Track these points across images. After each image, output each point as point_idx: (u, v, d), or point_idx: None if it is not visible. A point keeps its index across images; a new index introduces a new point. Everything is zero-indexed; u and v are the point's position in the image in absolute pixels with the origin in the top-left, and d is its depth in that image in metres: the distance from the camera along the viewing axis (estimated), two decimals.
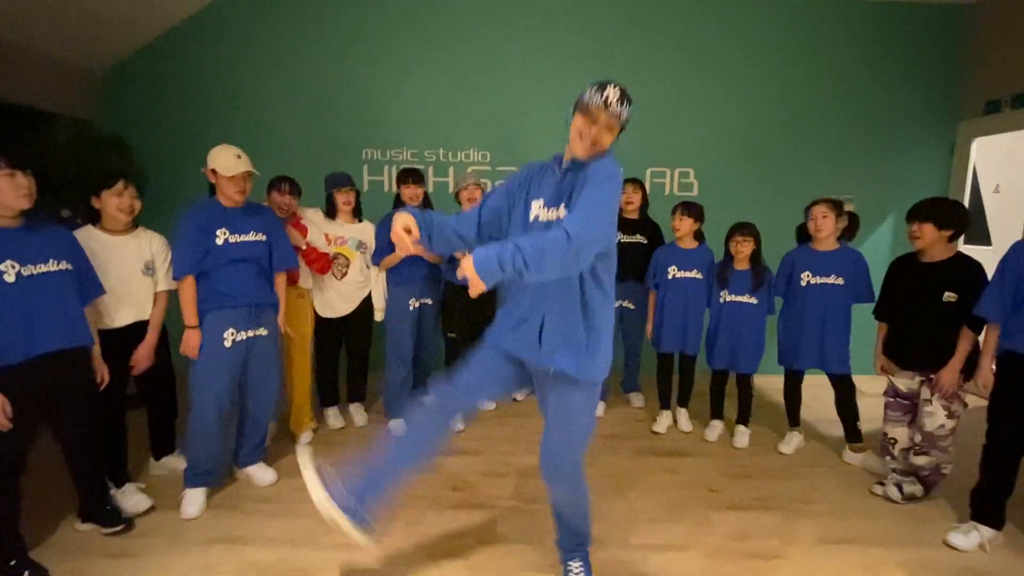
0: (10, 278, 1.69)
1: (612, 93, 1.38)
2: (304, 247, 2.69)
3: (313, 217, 2.80)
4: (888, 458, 2.40)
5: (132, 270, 2.13)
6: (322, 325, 2.86)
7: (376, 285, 2.96)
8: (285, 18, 3.77)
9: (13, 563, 1.75)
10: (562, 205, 1.46)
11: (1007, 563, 1.92)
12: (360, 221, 2.94)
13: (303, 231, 2.71)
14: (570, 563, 1.74)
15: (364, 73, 3.82)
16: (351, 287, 2.89)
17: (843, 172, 3.94)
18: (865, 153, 3.94)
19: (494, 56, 3.82)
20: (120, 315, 2.12)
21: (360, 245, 2.90)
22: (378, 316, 3.00)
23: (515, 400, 3.38)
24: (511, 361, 1.58)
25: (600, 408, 3.18)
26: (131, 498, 2.15)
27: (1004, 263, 1.94)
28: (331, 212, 2.82)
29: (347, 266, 2.87)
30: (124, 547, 1.95)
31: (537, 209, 1.51)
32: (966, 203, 3.87)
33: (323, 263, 2.74)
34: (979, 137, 3.85)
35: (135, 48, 3.77)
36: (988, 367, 1.99)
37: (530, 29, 3.82)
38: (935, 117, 3.92)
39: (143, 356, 2.17)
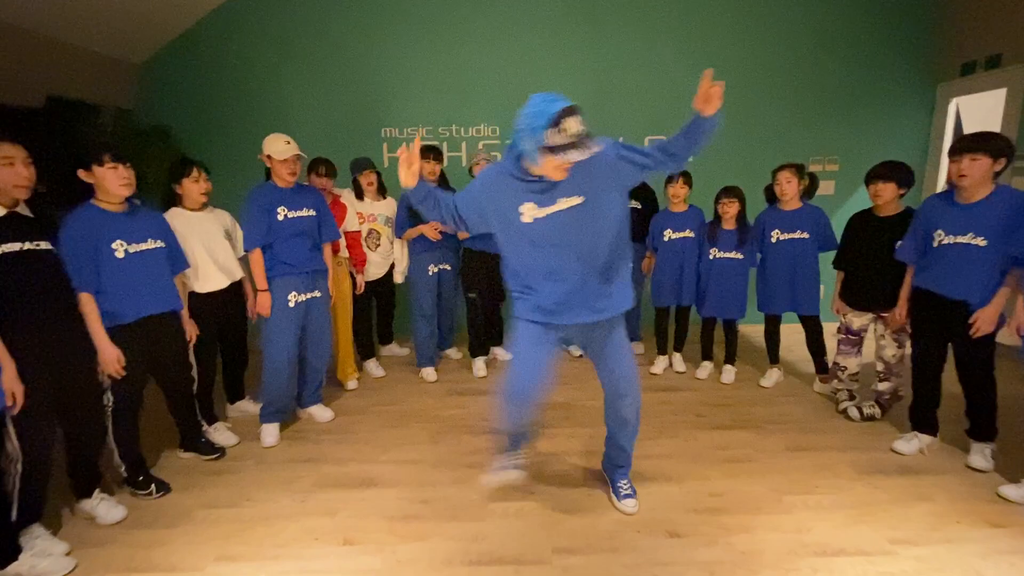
0: (120, 255, 2.08)
1: (571, 125, 1.42)
2: None
3: (347, 197, 3.19)
4: (835, 380, 2.86)
5: (217, 238, 2.55)
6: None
7: (398, 253, 3.40)
8: (305, 6, 4.04)
9: (141, 478, 2.23)
10: (560, 199, 1.64)
11: (936, 461, 2.35)
12: (385, 198, 3.33)
13: (343, 210, 3.10)
14: (620, 481, 2.11)
15: (381, 56, 4.11)
16: (383, 256, 3.33)
17: (827, 135, 4.23)
18: (848, 116, 4.21)
19: (501, 34, 4.09)
20: (215, 279, 2.54)
21: (388, 220, 3.31)
22: (398, 278, 3.43)
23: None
24: (551, 342, 1.84)
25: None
26: (221, 434, 2.63)
27: (916, 216, 2.34)
28: (359, 194, 3.22)
29: (379, 239, 3.29)
30: (222, 468, 2.44)
31: (532, 211, 1.66)
32: (943, 161, 4.16)
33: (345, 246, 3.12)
34: (956, 97, 4.11)
35: (167, 40, 4.07)
36: (903, 301, 2.42)
37: (536, 5, 4.06)
38: (915, 79, 4.17)
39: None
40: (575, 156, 1.47)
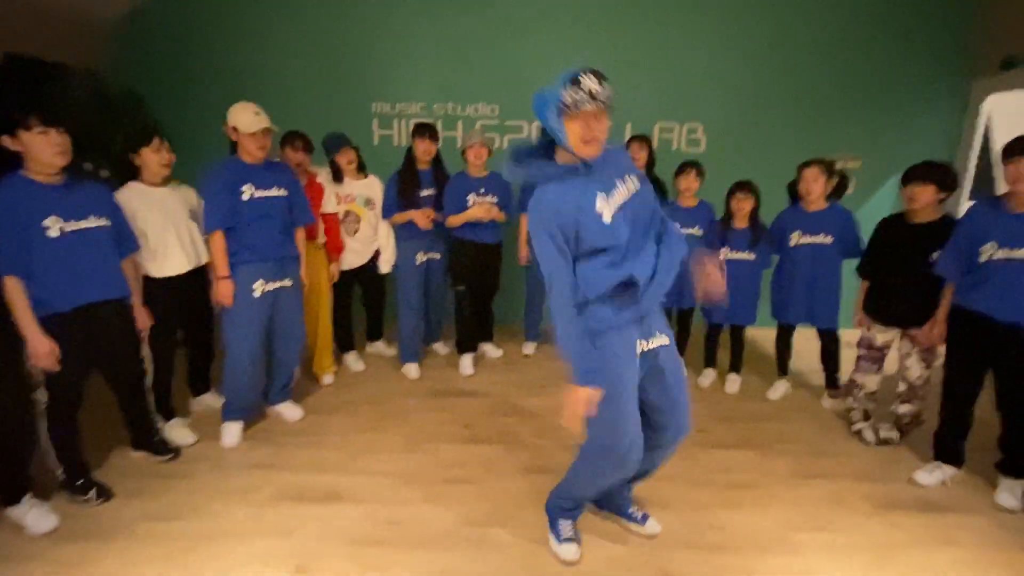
0: (54, 233, 1.83)
1: (589, 82, 1.30)
2: None
3: (324, 177, 2.90)
4: (850, 398, 2.62)
5: (181, 216, 2.30)
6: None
7: (383, 238, 3.10)
8: None
9: (80, 482, 2.00)
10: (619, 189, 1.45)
11: (960, 497, 2.13)
12: (365, 176, 3.03)
13: (319, 190, 2.81)
14: (630, 508, 1.89)
15: (372, 25, 3.78)
16: (363, 242, 3.04)
17: (851, 130, 3.92)
18: (874, 111, 3.90)
19: (502, 8, 3.76)
20: (176, 262, 2.29)
21: (367, 201, 3.01)
22: (384, 268, 3.15)
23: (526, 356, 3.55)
24: (634, 372, 1.53)
25: None
26: (178, 431, 2.40)
27: (959, 225, 2.08)
28: (337, 175, 2.91)
29: (358, 222, 3.00)
30: (174, 470, 2.21)
31: (610, 209, 1.42)
32: (975, 163, 3.88)
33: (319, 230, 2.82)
34: (993, 94, 3.80)
35: None
36: (942, 320, 2.16)
37: None
38: (947, 74, 3.85)
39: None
40: (590, 107, 1.31)
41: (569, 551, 1.74)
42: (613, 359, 1.48)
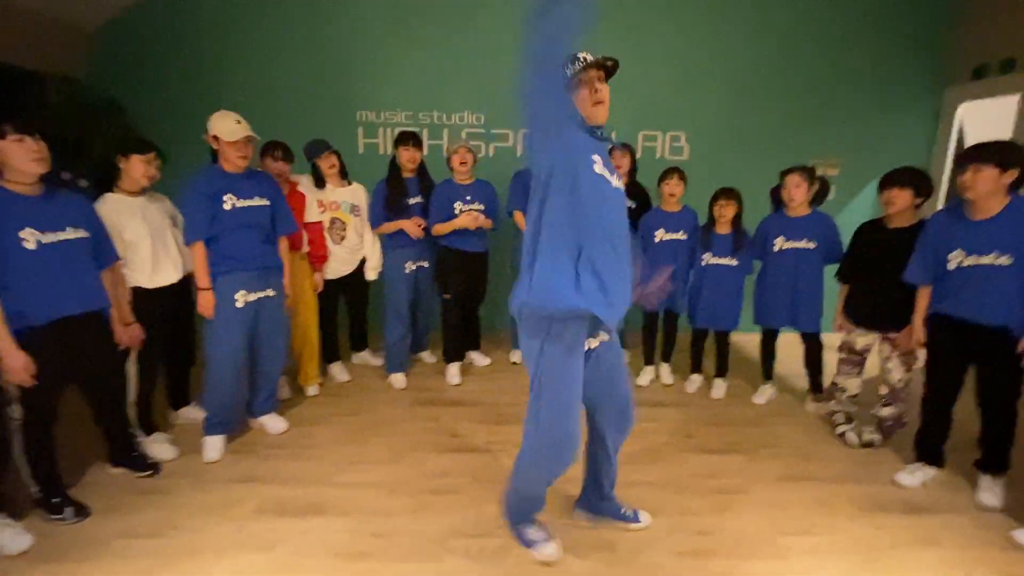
0: (31, 245, 1.78)
1: (585, 54, 1.46)
2: None
3: (306, 184, 2.88)
4: (832, 402, 2.67)
5: (163, 225, 2.28)
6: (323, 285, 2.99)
7: (369, 246, 3.08)
8: None
9: (57, 500, 1.95)
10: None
11: (942, 497, 2.16)
12: (349, 183, 3.01)
13: (300, 199, 2.79)
14: (622, 508, 1.94)
15: (357, 34, 3.79)
16: (349, 250, 3.01)
17: (830, 137, 4.01)
18: (851, 118, 3.99)
19: (487, 18, 3.79)
20: (167, 272, 2.27)
21: (353, 208, 2.99)
22: (370, 275, 3.12)
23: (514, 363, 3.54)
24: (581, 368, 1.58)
25: None
26: (159, 446, 2.35)
27: (923, 234, 2.13)
28: (319, 181, 2.89)
29: (344, 230, 2.97)
30: (154, 486, 2.16)
31: (601, 167, 1.49)
32: (949, 169, 3.98)
33: (303, 241, 2.80)
34: (965, 102, 3.91)
35: (123, 5, 3.70)
36: (919, 326, 2.19)
37: None
38: (921, 82, 3.96)
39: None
40: (593, 72, 1.46)
41: (546, 550, 1.76)
42: (571, 353, 1.53)
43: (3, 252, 1.73)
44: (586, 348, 1.59)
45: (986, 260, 1.92)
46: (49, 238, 1.83)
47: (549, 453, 1.61)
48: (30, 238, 1.79)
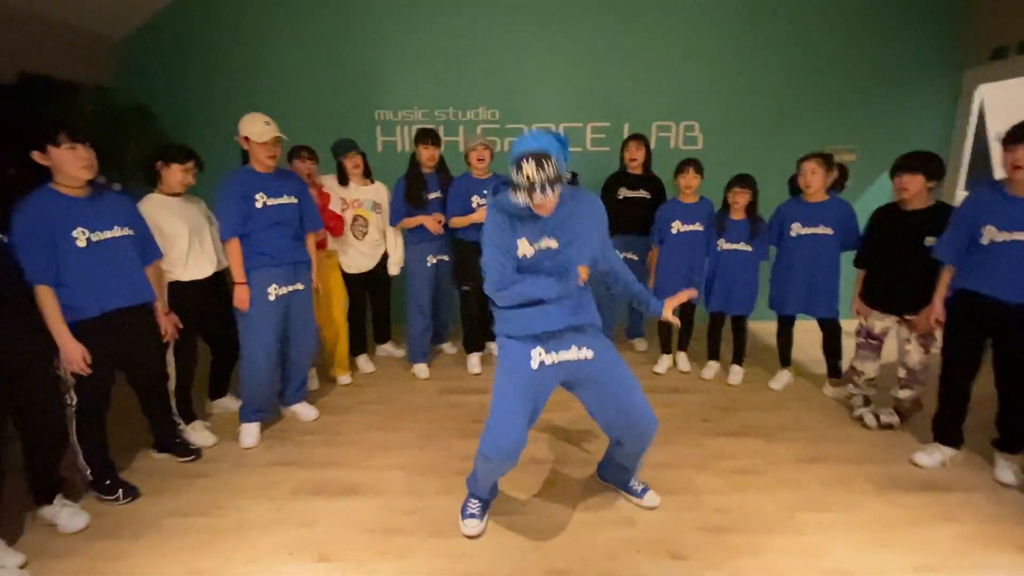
0: (82, 243, 1.91)
1: (528, 170, 1.43)
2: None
3: (329, 184, 2.99)
4: (850, 385, 2.70)
5: (201, 222, 2.42)
6: (348, 281, 3.11)
7: (391, 242, 3.18)
8: None
9: (108, 482, 2.09)
10: (545, 237, 1.64)
11: (960, 476, 2.19)
12: (372, 182, 3.11)
13: (326, 198, 2.91)
14: (631, 482, 2.05)
15: (374, 36, 3.88)
16: (371, 245, 3.12)
17: (846, 122, 3.99)
18: (869, 102, 3.97)
19: (500, 15, 3.85)
20: (202, 267, 2.41)
21: (375, 206, 3.09)
22: (393, 270, 3.23)
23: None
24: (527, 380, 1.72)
25: None
26: (199, 433, 2.48)
27: (959, 210, 2.14)
28: (343, 179, 3.00)
29: (366, 226, 3.08)
30: (197, 470, 2.29)
31: (523, 247, 1.64)
32: (969, 151, 3.94)
33: (337, 226, 2.93)
34: (985, 84, 3.86)
35: (149, 15, 3.85)
36: (940, 304, 2.21)
37: None
38: (939, 64, 3.92)
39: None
40: (536, 199, 1.48)
41: (468, 525, 1.87)
42: (512, 362, 1.72)
43: (59, 250, 1.86)
44: (540, 362, 1.71)
45: (1019, 236, 1.94)
46: (98, 236, 1.96)
47: (485, 448, 1.72)
48: (81, 237, 1.91)
